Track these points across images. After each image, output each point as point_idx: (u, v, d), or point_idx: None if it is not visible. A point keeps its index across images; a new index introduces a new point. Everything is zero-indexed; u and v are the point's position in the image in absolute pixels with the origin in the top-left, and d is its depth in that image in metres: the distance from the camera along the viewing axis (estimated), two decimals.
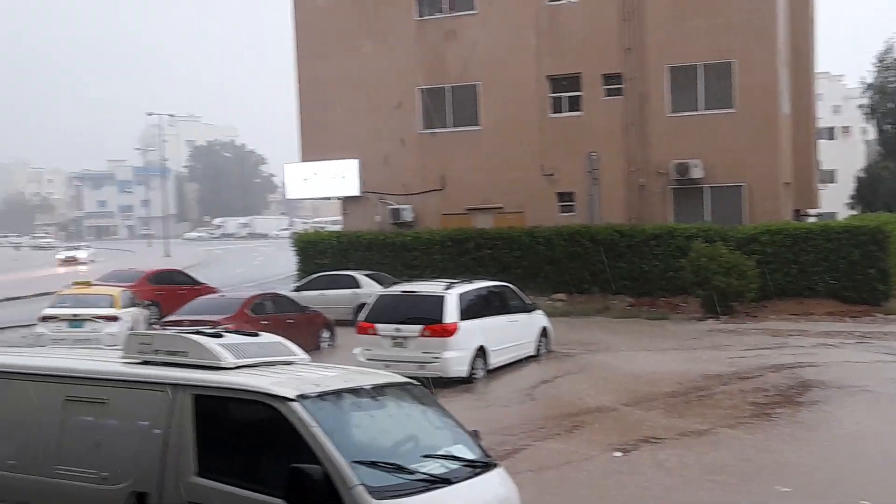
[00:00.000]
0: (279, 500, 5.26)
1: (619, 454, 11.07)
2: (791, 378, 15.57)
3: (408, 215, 30.58)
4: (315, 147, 32.24)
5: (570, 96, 29.10)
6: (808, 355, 17.83)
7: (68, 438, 6.15)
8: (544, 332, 18.98)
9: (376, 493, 5.24)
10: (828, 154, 50.59)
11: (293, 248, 31.64)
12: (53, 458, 6.13)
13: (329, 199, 35.71)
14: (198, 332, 6.47)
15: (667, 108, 27.86)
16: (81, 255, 63.80)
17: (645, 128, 27.92)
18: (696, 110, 27.59)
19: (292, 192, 35.33)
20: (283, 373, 6.18)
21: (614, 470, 10.46)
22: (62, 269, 55.14)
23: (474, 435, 6.45)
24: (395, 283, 21.10)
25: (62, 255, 64.40)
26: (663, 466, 10.48)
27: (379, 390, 6.26)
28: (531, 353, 18.30)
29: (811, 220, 31.20)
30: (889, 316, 22.88)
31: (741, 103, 26.97)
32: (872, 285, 23.91)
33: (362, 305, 20.72)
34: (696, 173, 26.96)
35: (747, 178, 26.91)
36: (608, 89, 28.53)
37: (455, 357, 15.70)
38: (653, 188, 27.93)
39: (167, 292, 26.55)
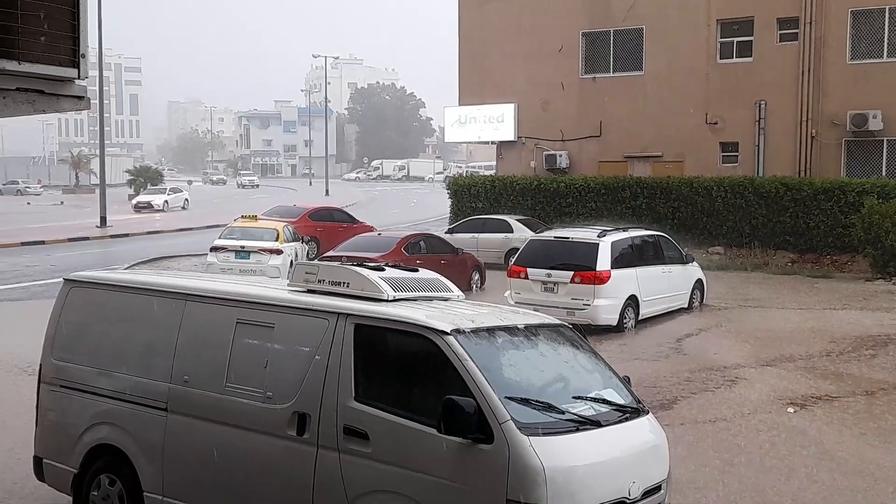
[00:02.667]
0: (431, 429, 5.44)
1: (791, 410, 10.83)
2: None
3: (563, 161, 30.27)
4: (473, 91, 32.32)
5: (740, 41, 27.76)
6: None
7: (238, 358, 6.54)
8: (699, 285, 18.51)
9: (526, 429, 5.32)
10: None
11: (447, 192, 32.02)
12: (224, 375, 6.54)
13: (485, 143, 35.84)
14: (360, 265, 6.70)
15: (847, 55, 26.15)
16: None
17: (820, 76, 26.33)
18: (881, 58, 25.75)
19: (450, 136, 35.88)
20: (439, 307, 6.34)
21: (791, 425, 10.26)
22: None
23: (625, 381, 6.43)
24: (546, 229, 21.03)
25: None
26: (841, 424, 10.25)
27: (532, 330, 6.32)
28: (684, 306, 17.92)
29: None
30: None
31: None
32: None
33: (514, 250, 20.86)
34: (875, 125, 25.28)
35: None
36: (783, 34, 27.03)
37: (605, 305, 15.59)
38: (825, 140, 26.42)
39: (326, 229, 27.53)
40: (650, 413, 6.32)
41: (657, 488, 5.92)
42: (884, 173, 25.42)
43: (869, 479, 8.60)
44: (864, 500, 8.14)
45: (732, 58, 27.90)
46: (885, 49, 25.70)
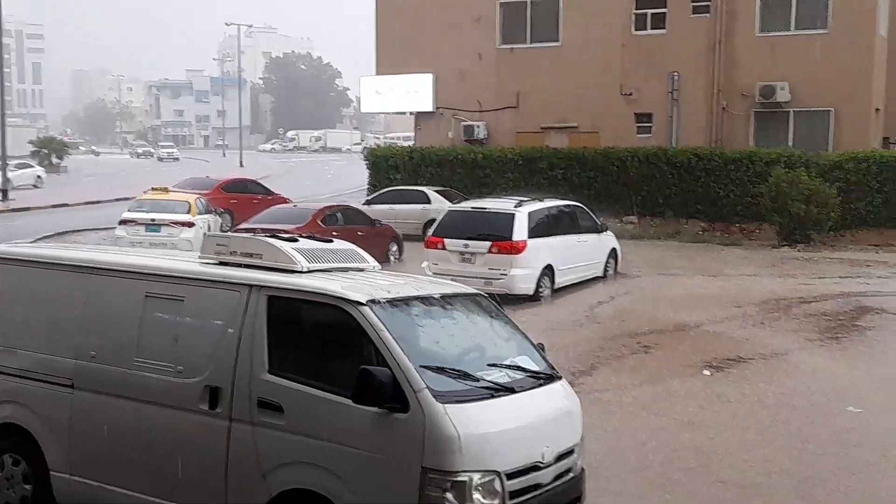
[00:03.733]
0: (346, 399, 5.40)
1: (707, 372, 11.19)
2: (855, 305, 15.44)
3: (481, 132, 30.33)
4: (391, 61, 32.02)
5: (654, 13, 28.15)
6: (881, 285, 17.49)
7: (147, 333, 6.38)
8: (613, 254, 18.86)
9: (441, 397, 5.32)
10: None
11: (365, 163, 31.78)
12: (133, 350, 6.37)
13: (403, 113, 35.66)
14: (273, 237, 6.59)
15: (756, 27, 26.81)
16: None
17: (731, 48, 26.95)
18: (788, 31, 26.49)
19: (367, 106, 35.59)
20: (354, 278, 6.27)
21: (708, 387, 10.60)
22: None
23: (539, 347, 6.49)
24: (464, 200, 21.09)
25: None
26: (755, 384, 10.67)
27: (448, 299, 6.31)
28: (599, 274, 18.24)
29: None
30: None
31: (836, 24, 25.82)
32: None
33: (432, 221, 20.83)
34: (782, 97, 26.05)
35: (836, 103, 25.89)
36: (696, 6, 27.53)
37: (522, 274, 15.73)
38: (735, 111, 27.11)
39: (240, 201, 27.02)
40: (563, 379, 6.40)
41: (570, 452, 6.01)
42: (790, 143, 26.22)
43: (783, 438, 8.93)
44: (774, 456, 8.41)
45: (647, 29, 28.28)
46: (793, 22, 26.42)
